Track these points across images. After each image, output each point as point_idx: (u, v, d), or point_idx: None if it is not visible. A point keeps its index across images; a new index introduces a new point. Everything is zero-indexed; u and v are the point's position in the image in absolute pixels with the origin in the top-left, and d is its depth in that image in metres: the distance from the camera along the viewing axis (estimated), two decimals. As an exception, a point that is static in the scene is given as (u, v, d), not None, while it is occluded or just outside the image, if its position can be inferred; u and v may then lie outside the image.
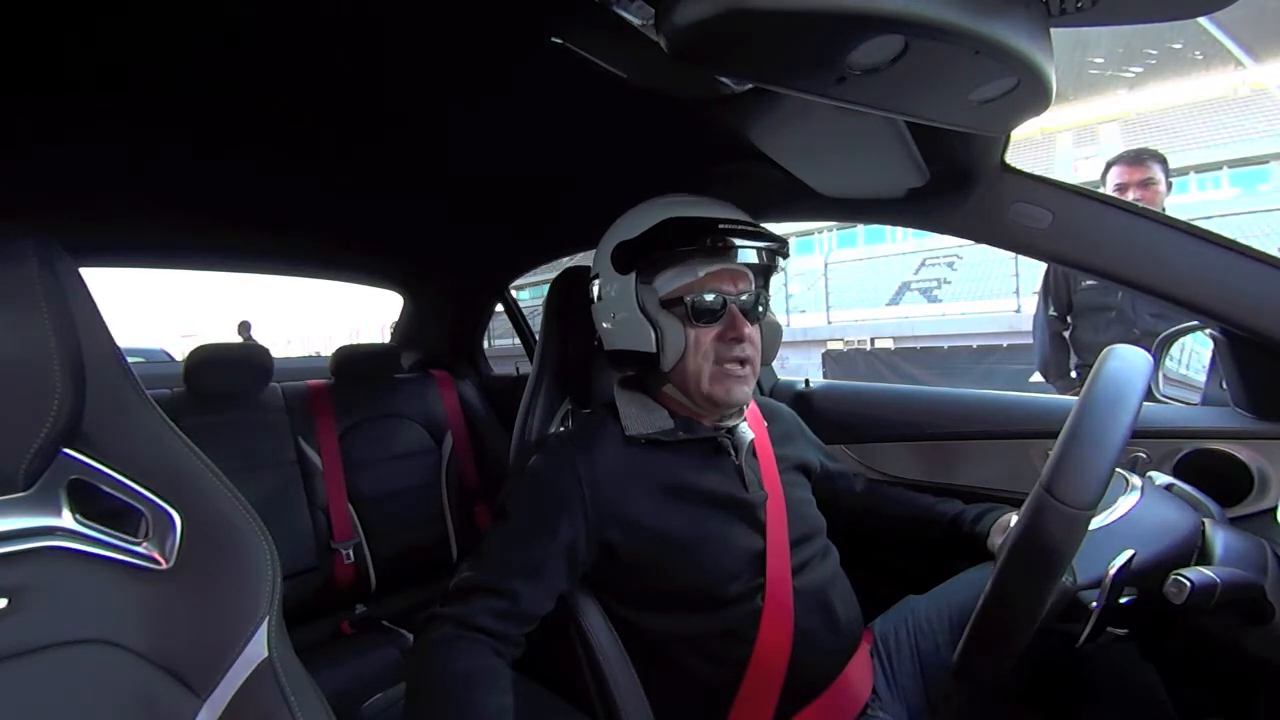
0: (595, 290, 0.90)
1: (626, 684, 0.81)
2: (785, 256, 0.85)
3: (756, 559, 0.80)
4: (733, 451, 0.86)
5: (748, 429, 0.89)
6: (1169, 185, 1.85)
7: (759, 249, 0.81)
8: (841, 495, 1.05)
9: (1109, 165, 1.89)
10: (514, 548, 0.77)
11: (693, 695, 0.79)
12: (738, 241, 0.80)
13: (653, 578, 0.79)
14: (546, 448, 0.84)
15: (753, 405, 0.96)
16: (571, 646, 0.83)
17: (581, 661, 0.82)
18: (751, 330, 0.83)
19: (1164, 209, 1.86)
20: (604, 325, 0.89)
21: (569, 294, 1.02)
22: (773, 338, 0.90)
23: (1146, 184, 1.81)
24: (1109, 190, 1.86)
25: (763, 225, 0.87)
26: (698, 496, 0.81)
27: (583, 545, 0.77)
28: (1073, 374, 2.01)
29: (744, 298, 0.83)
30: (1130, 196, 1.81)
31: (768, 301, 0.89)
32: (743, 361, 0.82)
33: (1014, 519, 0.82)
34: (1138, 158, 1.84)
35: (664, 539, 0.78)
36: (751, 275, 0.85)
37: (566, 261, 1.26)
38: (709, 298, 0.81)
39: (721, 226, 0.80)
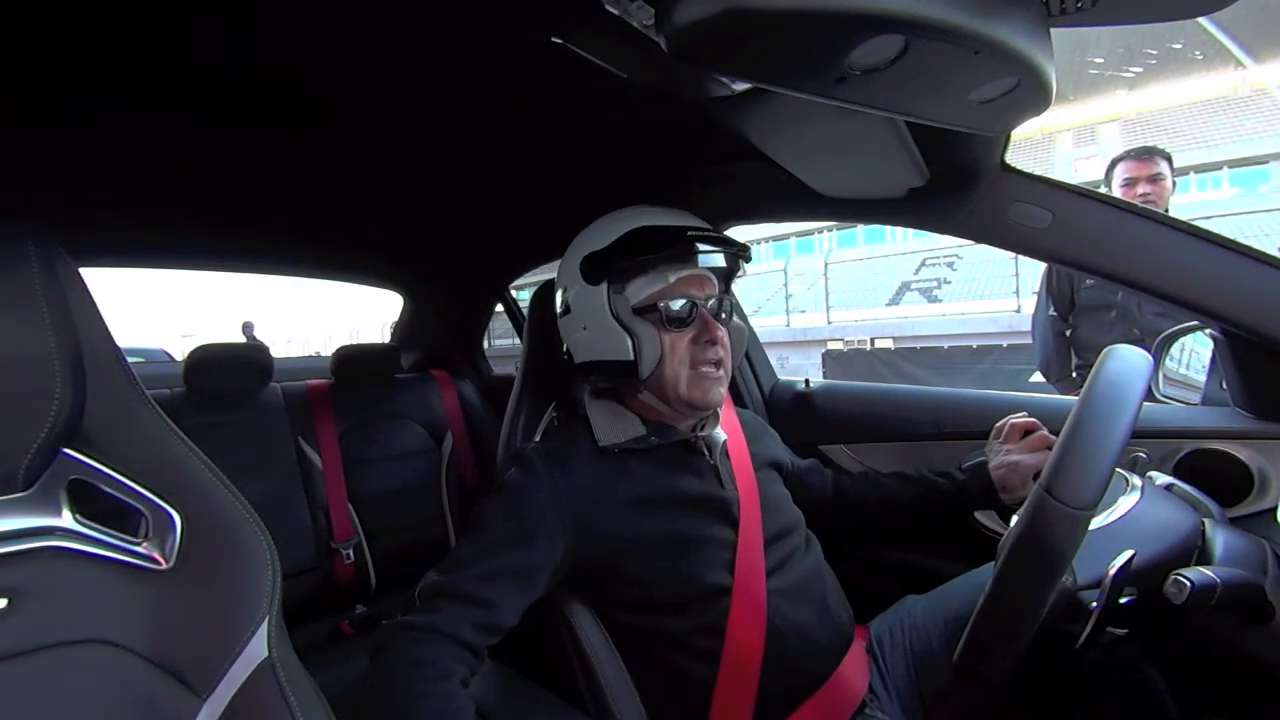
0: (562, 303, 0.91)
1: (616, 678, 0.81)
2: (748, 260, 0.89)
3: (729, 554, 0.81)
4: (706, 451, 0.88)
5: (720, 430, 0.91)
6: (1173, 183, 1.85)
7: (725, 253, 0.85)
8: (811, 490, 1.05)
9: (1115, 161, 1.89)
10: (491, 556, 0.75)
11: (677, 689, 0.80)
12: (705, 247, 0.83)
13: (630, 581, 0.80)
14: (521, 461, 0.83)
15: (726, 407, 0.97)
16: (563, 643, 0.83)
17: (572, 658, 0.82)
18: (722, 333, 0.86)
19: (1169, 207, 1.86)
20: (575, 337, 0.89)
21: (551, 303, 1.03)
22: (739, 341, 0.93)
23: (1155, 179, 1.82)
24: (1116, 185, 1.87)
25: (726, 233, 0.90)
26: (673, 500, 0.83)
27: (559, 558, 0.78)
28: (1074, 374, 2.01)
29: (711, 302, 0.86)
30: (1139, 191, 1.82)
31: (732, 306, 0.91)
32: (717, 363, 0.85)
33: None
34: (1146, 153, 1.85)
35: (639, 546, 0.79)
36: (715, 280, 0.88)
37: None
38: (680, 303, 0.84)
39: (690, 233, 0.83)
